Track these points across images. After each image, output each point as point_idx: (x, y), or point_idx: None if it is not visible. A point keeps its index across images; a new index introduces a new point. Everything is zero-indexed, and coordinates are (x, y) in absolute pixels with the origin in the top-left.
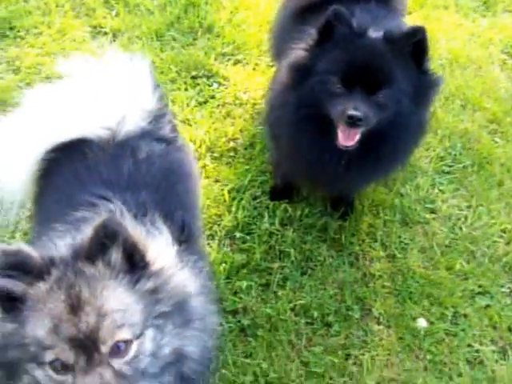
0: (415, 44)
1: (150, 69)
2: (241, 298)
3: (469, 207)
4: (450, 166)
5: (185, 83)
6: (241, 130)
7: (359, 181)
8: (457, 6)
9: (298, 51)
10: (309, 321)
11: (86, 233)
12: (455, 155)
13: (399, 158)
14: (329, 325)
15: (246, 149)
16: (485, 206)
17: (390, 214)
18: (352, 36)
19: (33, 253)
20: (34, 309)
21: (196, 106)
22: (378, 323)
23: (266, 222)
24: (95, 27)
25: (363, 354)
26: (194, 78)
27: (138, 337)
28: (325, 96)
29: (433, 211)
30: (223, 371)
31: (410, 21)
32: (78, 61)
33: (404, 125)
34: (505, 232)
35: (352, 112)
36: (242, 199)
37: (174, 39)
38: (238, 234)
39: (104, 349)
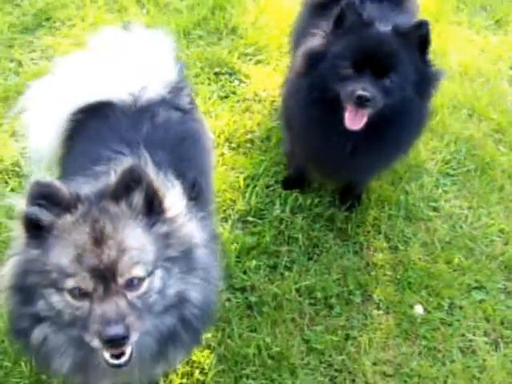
0: (420, 36)
1: (172, 44)
2: (249, 277)
3: (470, 208)
4: (454, 169)
5: (208, 78)
6: (258, 124)
7: (364, 166)
8: (469, 23)
9: (313, 40)
10: (312, 302)
11: (113, 175)
12: (460, 159)
13: (402, 145)
14: (331, 307)
15: (262, 141)
16: (485, 208)
17: (395, 210)
18: (362, 25)
19: (63, 187)
20: (59, 238)
21: (217, 100)
22: (378, 308)
23: (278, 209)
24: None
25: (362, 336)
26: (216, 74)
27: (149, 275)
28: (335, 79)
29: (435, 209)
30: (228, 341)
31: None
32: (107, 33)
33: (407, 112)
34: (503, 233)
35: (361, 92)
36: (255, 186)
37: (200, 37)
38: (250, 219)
39: (121, 281)
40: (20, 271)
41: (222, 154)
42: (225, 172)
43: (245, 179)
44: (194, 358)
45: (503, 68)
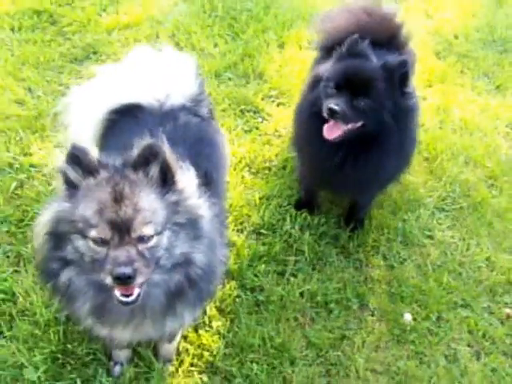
0: (401, 73)
1: (195, 63)
2: (259, 279)
3: (460, 238)
4: (449, 206)
5: (234, 114)
6: (276, 155)
7: (353, 180)
8: (472, 86)
9: (320, 67)
10: (313, 305)
11: (135, 149)
12: (454, 198)
13: (385, 167)
14: (330, 310)
15: (278, 169)
16: (474, 240)
17: (393, 234)
18: (353, 55)
19: (92, 154)
20: (85, 195)
21: (241, 132)
22: (372, 315)
23: (288, 225)
24: None
25: (356, 337)
26: (242, 111)
27: (158, 233)
28: (323, 96)
29: (430, 237)
30: (237, 330)
31: (430, 93)
32: (141, 50)
33: (385, 136)
34: (489, 261)
35: (332, 106)
36: (269, 204)
37: (230, 79)
38: (263, 231)
39: (133, 234)
40: (55, 219)
41: (242, 177)
42: (243, 191)
43: (260, 198)
44: (204, 341)
45: (500, 126)
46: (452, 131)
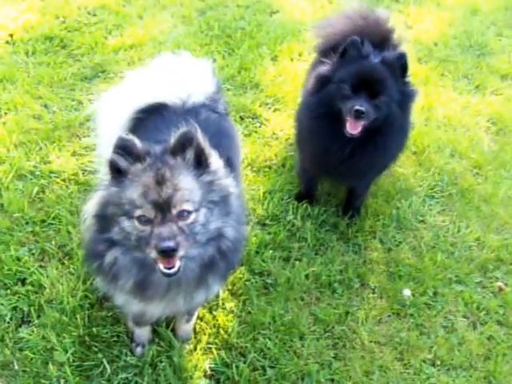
0: (401, 64)
1: (211, 66)
2: (267, 264)
3: (451, 222)
4: (438, 193)
5: (234, 120)
6: (275, 155)
7: (360, 167)
8: (453, 86)
9: (323, 67)
10: (318, 286)
11: (172, 137)
12: (443, 186)
13: (388, 151)
14: (334, 290)
15: (278, 167)
16: (464, 223)
17: (388, 220)
18: (360, 57)
19: (138, 143)
20: (132, 180)
21: (241, 136)
22: (373, 293)
23: (290, 216)
24: None
25: (359, 312)
26: (241, 117)
27: (196, 210)
28: (338, 98)
29: (422, 222)
30: (249, 309)
31: None
32: (164, 56)
33: (392, 124)
34: (479, 241)
35: (358, 107)
36: (272, 198)
37: (229, 90)
38: (267, 222)
39: (174, 212)
40: (103, 202)
41: (246, 175)
42: (247, 187)
43: (263, 193)
44: (219, 321)
45: (481, 121)
46: (437, 127)
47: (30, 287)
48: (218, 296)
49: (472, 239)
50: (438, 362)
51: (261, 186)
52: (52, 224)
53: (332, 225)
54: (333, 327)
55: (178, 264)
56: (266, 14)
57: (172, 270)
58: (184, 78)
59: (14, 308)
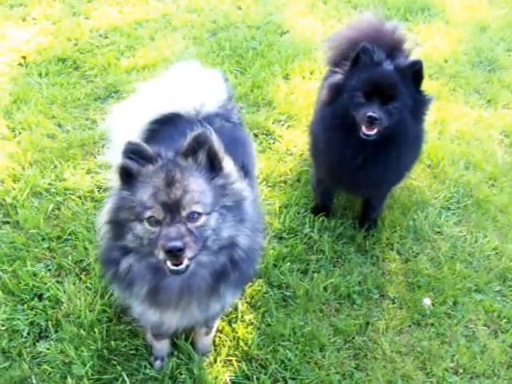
0: (414, 71)
1: (224, 77)
2: (285, 276)
3: (468, 233)
4: (454, 205)
5: None
6: (290, 170)
7: (373, 177)
8: (465, 101)
9: (335, 76)
10: (337, 297)
11: (186, 139)
12: (459, 198)
13: (402, 161)
14: (353, 301)
15: (293, 182)
16: (481, 233)
17: (405, 232)
18: (372, 64)
19: (147, 146)
20: (142, 182)
21: (256, 153)
22: (393, 303)
23: (307, 229)
24: None
25: (380, 323)
26: (255, 134)
27: (207, 214)
28: (352, 106)
29: (439, 233)
30: (268, 321)
31: None
32: (178, 67)
33: (404, 132)
34: (497, 250)
35: (371, 113)
36: (288, 212)
37: (242, 108)
38: (285, 235)
39: (183, 213)
40: (115, 207)
41: (261, 190)
42: (263, 201)
43: (280, 207)
44: (238, 333)
45: (494, 134)
46: (450, 141)
47: (47, 302)
48: (236, 308)
49: (490, 249)
50: (461, 371)
51: (277, 200)
52: (68, 240)
53: (349, 237)
54: (353, 338)
55: (185, 262)
56: (277, 34)
57: (179, 267)
58: (196, 87)
59: (31, 323)
